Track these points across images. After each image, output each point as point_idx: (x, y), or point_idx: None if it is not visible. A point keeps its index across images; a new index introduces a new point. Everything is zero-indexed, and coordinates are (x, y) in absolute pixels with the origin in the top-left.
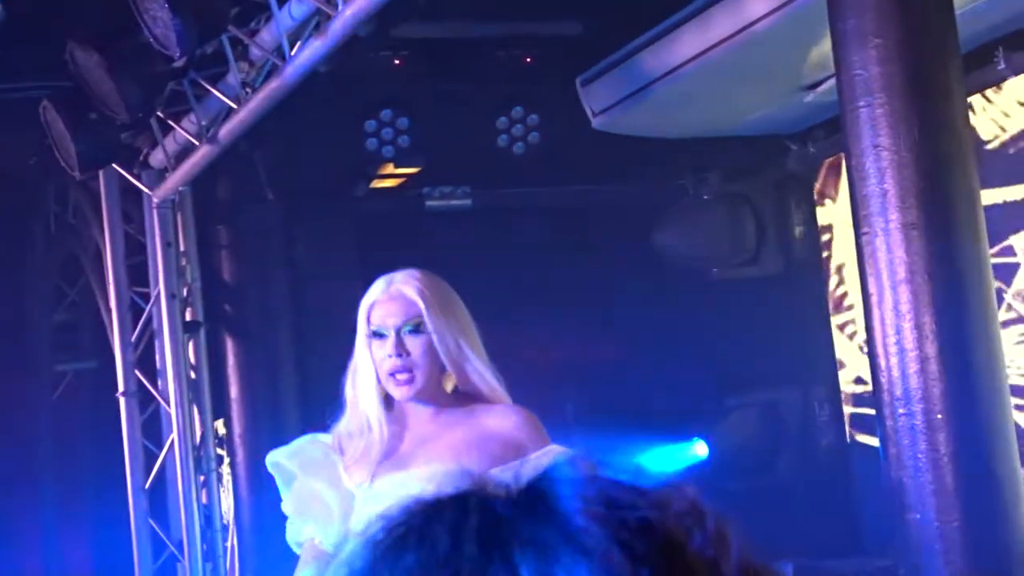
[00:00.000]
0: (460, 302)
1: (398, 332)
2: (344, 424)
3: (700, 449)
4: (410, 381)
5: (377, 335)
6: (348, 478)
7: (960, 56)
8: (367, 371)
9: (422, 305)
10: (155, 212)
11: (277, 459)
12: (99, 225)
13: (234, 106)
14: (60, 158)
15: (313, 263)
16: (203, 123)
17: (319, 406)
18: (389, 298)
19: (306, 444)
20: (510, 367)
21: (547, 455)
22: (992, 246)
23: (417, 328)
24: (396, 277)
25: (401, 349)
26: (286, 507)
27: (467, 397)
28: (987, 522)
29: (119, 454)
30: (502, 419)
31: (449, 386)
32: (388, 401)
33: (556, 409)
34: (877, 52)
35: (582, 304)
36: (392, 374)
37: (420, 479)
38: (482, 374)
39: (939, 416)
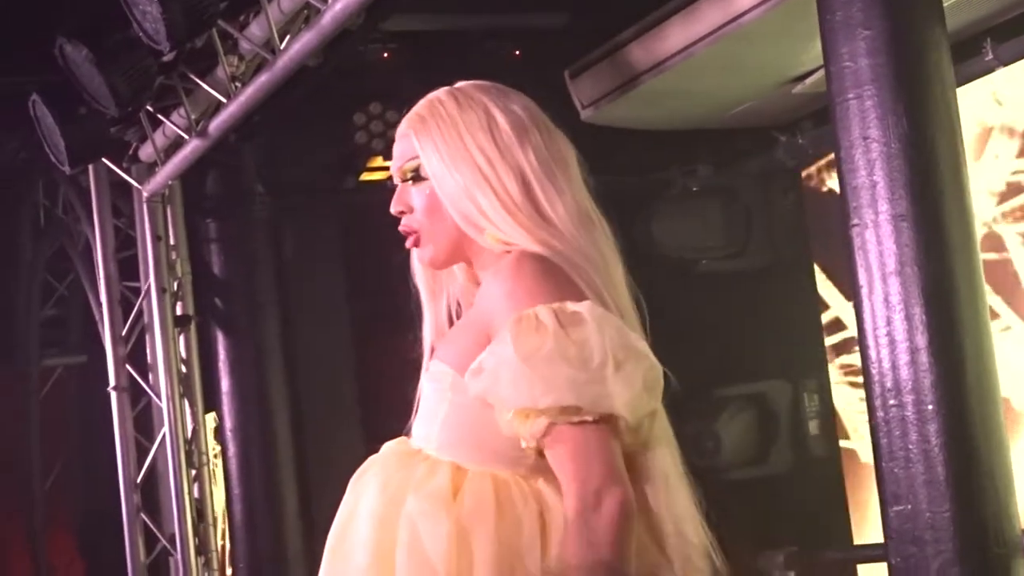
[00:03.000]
0: (494, 117)
1: (403, 181)
2: None
3: None
4: (416, 244)
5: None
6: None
7: (949, 47)
8: None
9: (414, 139)
10: (145, 206)
11: None
12: (88, 219)
13: (223, 100)
14: (49, 152)
15: (302, 256)
16: (192, 117)
17: (309, 398)
18: (398, 137)
19: None
20: None
21: (491, 351)
22: None
23: (417, 173)
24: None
25: (401, 204)
26: None
27: None
28: (978, 512)
29: (110, 449)
30: (484, 284)
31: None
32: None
33: None
34: (866, 44)
35: None
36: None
37: (426, 378)
38: (519, 222)
39: (930, 407)
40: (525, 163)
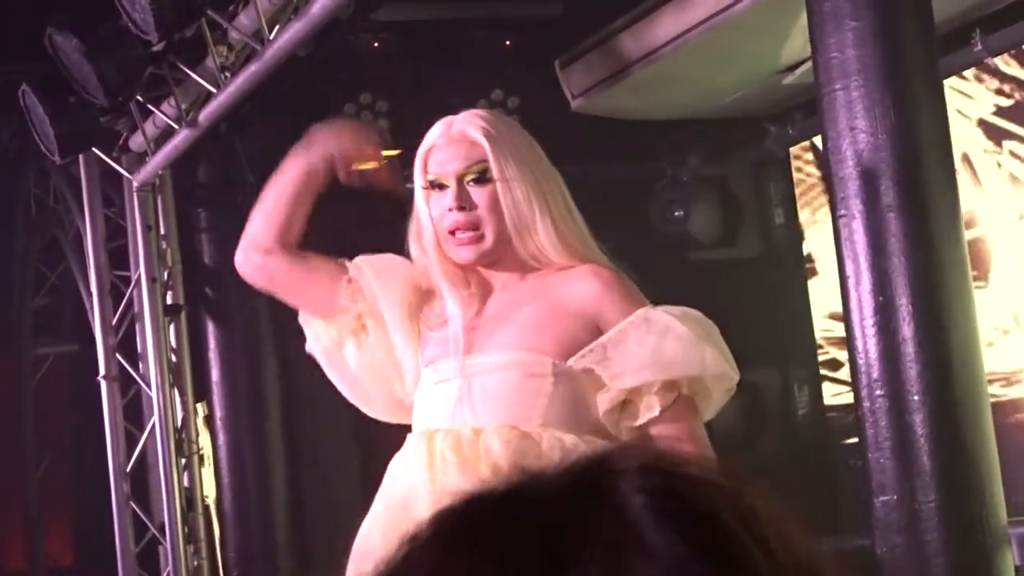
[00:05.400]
0: (536, 147)
1: (460, 181)
2: (418, 273)
3: None
4: (476, 241)
5: (436, 186)
6: (419, 349)
7: (936, 38)
8: (428, 230)
9: (488, 147)
10: (135, 196)
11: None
12: (79, 209)
13: (213, 90)
14: (40, 142)
15: None
16: (183, 107)
17: (300, 388)
18: (449, 141)
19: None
20: None
21: (622, 337)
22: None
23: (483, 175)
24: (458, 118)
25: (464, 201)
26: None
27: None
28: (964, 501)
29: (100, 437)
30: (576, 285)
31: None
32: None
33: None
34: (853, 35)
35: None
36: (453, 232)
37: (487, 367)
38: (560, 237)
39: (915, 397)
40: (563, 188)
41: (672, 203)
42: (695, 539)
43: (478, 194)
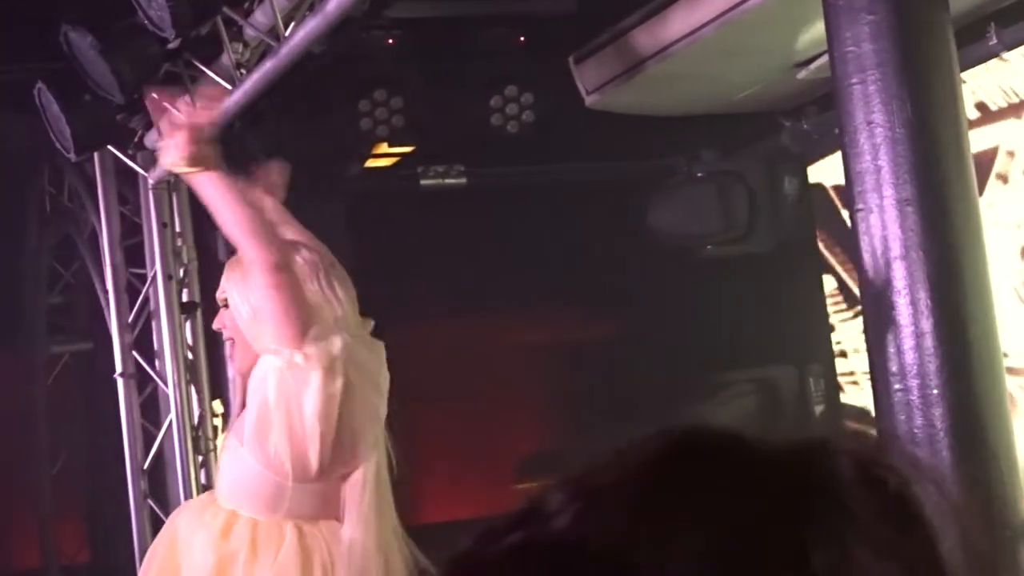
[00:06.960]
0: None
1: (223, 304)
2: None
3: None
4: (232, 355)
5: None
6: None
7: (952, 32)
8: None
9: (225, 279)
10: (151, 193)
11: None
12: (94, 207)
13: (228, 87)
14: (55, 140)
15: None
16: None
17: None
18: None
19: None
20: (500, 343)
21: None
22: None
23: (226, 302)
24: None
25: (220, 321)
26: None
27: None
28: (984, 496)
29: (117, 435)
30: None
31: None
32: None
33: (551, 387)
34: (869, 28)
35: (576, 282)
36: None
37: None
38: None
39: (935, 391)
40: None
41: (687, 199)
42: (897, 518)
43: (227, 317)
